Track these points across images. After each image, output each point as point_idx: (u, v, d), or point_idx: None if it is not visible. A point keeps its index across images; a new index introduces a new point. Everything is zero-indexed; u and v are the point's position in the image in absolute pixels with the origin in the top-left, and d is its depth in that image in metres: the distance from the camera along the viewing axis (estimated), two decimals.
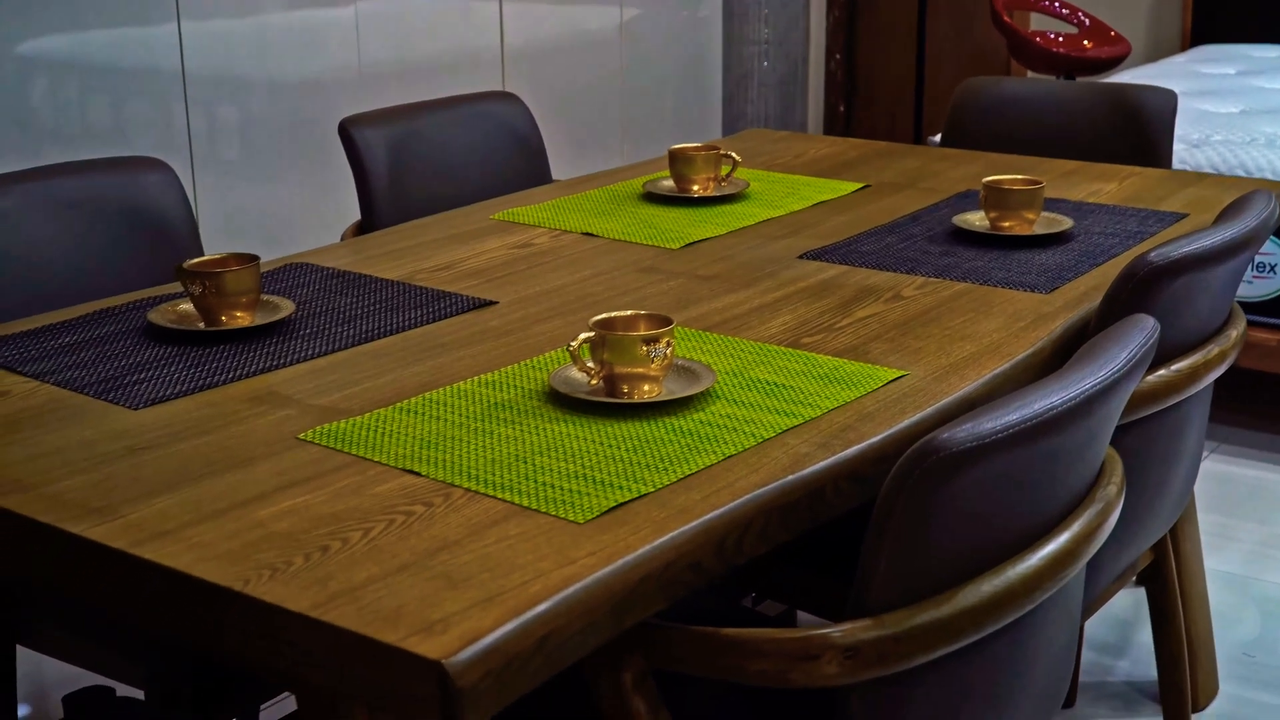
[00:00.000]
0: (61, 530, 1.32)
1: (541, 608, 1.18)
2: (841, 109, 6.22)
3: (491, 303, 1.97)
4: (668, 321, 1.62)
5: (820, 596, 2.01)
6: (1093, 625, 2.86)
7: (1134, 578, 2.82)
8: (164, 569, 1.25)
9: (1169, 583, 2.27)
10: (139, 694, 1.97)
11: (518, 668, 1.15)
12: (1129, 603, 2.95)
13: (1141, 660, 2.77)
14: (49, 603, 1.99)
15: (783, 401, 1.60)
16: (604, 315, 1.64)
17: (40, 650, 2.00)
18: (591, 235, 2.31)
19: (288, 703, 2.46)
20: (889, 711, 1.39)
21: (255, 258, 1.88)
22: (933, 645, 1.33)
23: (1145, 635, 2.83)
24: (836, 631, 1.30)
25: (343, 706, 1.23)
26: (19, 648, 1.96)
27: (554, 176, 2.95)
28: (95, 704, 1.88)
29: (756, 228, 2.34)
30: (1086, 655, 2.77)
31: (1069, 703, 2.63)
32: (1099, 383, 1.38)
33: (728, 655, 1.33)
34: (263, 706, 2.36)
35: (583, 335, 1.60)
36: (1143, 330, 1.51)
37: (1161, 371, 1.85)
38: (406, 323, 1.89)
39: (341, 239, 2.48)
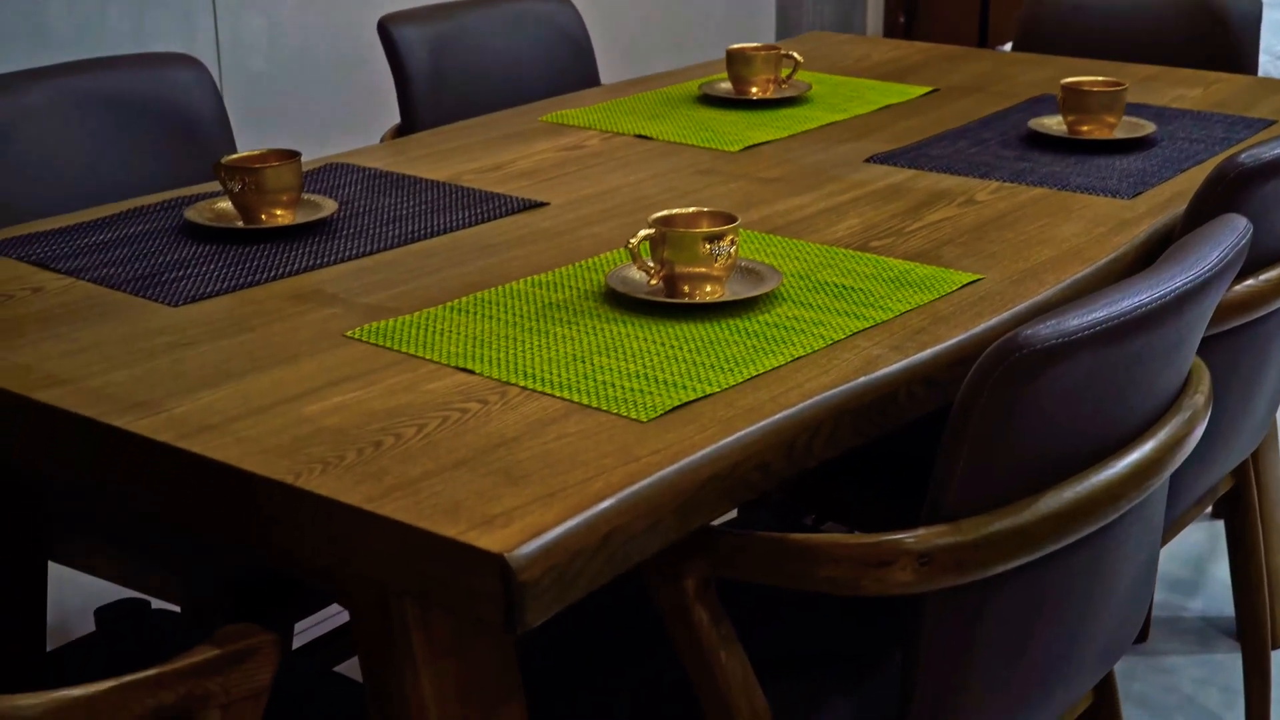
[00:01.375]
0: (105, 424, 1.34)
1: (605, 504, 1.18)
2: (901, 19, 6.17)
3: (542, 204, 1.97)
4: (732, 219, 1.62)
5: (884, 518, 2.02)
6: (1166, 562, 2.86)
7: (1211, 506, 2.82)
8: (211, 462, 1.27)
9: (1249, 510, 2.27)
10: (175, 609, 2.00)
11: (580, 566, 1.16)
12: (1203, 538, 2.96)
13: (1217, 596, 2.77)
14: (83, 516, 2.02)
15: (852, 304, 1.60)
16: (665, 212, 1.64)
17: (73, 566, 2.03)
18: (645, 138, 2.31)
19: (323, 626, 2.49)
20: (962, 625, 1.39)
21: (296, 154, 1.89)
22: (1011, 553, 1.33)
23: (1220, 571, 2.84)
24: (910, 537, 1.30)
25: (394, 604, 1.24)
26: (50, 564, 1.99)
27: (602, 82, 2.95)
28: (129, 617, 1.90)
29: (819, 131, 2.34)
30: (1160, 592, 2.78)
31: (1142, 637, 2.64)
32: (1190, 281, 1.38)
33: (796, 561, 1.33)
34: (298, 629, 2.39)
35: (642, 232, 1.60)
36: (1235, 230, 1.50)
37: (1250, 281, 1.84)
38: (454, 223, 1.90)
39: (380, 142, 2.48)
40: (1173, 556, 2.89)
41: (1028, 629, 1.45)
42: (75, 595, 2.52)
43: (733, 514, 1.97)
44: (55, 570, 1.99)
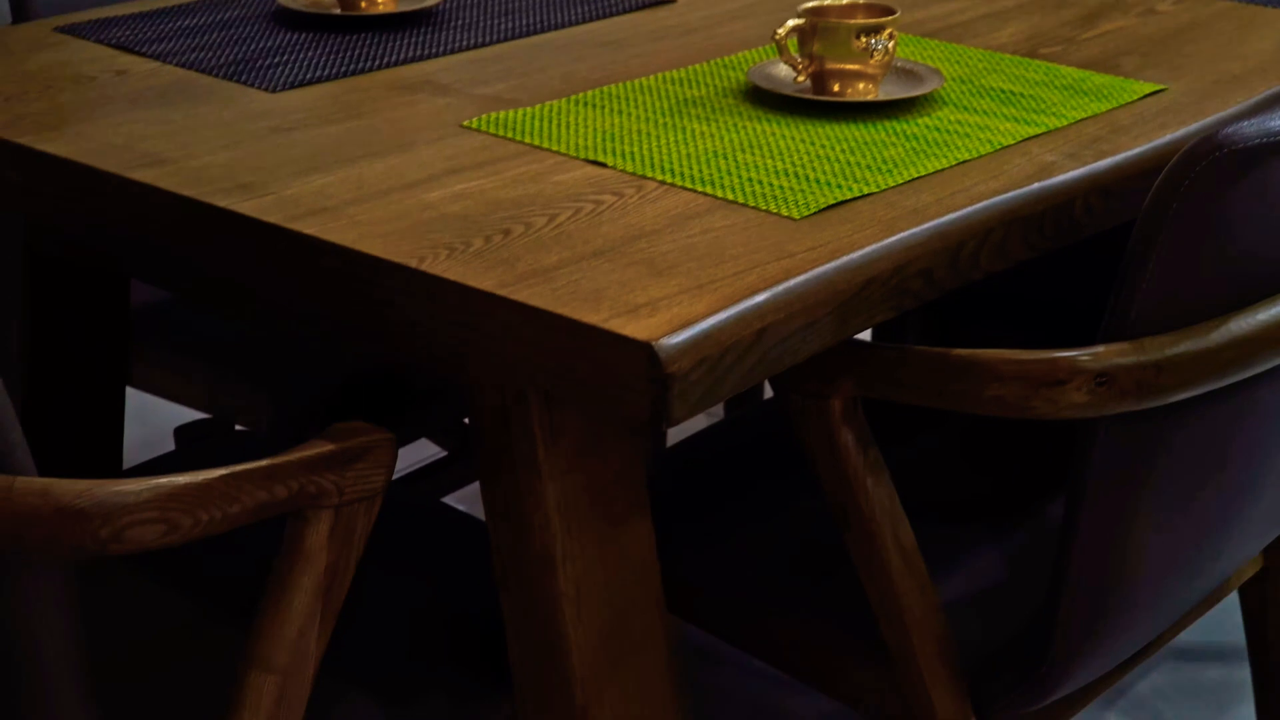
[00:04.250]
0: (209, 205, 1.37)
1: (759, 298, 1.20)
2: None
3: (668, 1, 1.98)
4: (890, 11, 1.62)
5: None
6: None
7: None
8: (326, 244, 1.29)
9: None
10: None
11: (731, 362, 1.18)
12: None
13: None
14: (164, 334, 2.06)
15: (1021, 110, 1.60)
16: (815, 3, 1.64)
17: (150, 391, 2.07)
18: None
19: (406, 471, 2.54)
20: (1135, 460, 1.40)
21: None
22: (1196, 378, 1.34)
23: None
24: (1087, 355, 1.31)
25: (518, 413, 1.27)
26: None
27: None
28: (211, 435, 1.95)
29: None
30: None
31: None
32: None
33: (959, 378, 1.35)
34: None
35: (790, 23, 1.61)
36: None
37: None
38: (571, 18, 1.91)
39: None
40: None
41: (1204, 470, 1.46)
42: (149, 428, 2.56)
43: None
44: (132, 398, 2.03)
